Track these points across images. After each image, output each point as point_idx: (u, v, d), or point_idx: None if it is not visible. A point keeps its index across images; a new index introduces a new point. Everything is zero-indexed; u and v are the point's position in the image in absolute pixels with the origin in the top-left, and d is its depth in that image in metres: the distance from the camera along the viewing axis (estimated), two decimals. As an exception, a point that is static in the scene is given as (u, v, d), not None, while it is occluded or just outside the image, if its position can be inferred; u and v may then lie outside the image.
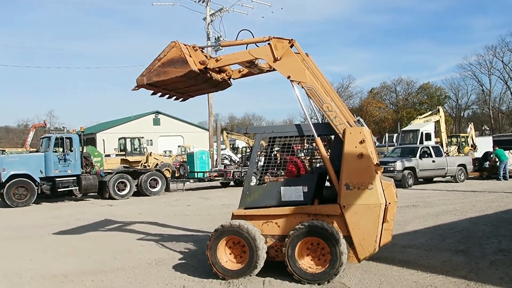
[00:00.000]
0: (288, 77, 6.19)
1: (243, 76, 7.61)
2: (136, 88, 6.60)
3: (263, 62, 6.98)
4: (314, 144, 6.29)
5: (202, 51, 6.71)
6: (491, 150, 23.96)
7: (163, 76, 6.36)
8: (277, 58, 6.20)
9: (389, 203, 5.95)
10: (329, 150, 6.23)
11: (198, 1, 31.84)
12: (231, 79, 7.57)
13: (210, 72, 6.79)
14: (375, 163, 5.83)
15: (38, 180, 16.67)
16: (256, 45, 6.51)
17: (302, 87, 6.15)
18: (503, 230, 8.97)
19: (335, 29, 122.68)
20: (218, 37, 30.96)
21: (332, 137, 6.28)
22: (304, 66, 6.28)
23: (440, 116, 28.58)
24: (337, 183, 5.86)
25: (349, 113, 6.62)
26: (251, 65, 7.04)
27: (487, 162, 22.88)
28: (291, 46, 6.27)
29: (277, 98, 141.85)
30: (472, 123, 37.38)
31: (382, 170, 6.18)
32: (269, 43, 6.26)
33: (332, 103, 6.23)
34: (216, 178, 22.87)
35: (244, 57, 6.49)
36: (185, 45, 6.45)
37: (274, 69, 6.58)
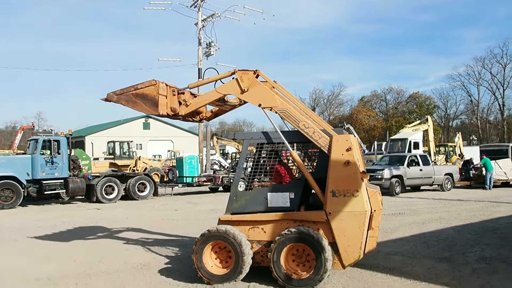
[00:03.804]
0: (259, 105, 6.26)
1: (216, 115, 7.69)
2: (104, 100, 6.64)
3: (232, 98, 7.05)
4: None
5: (182, 94, 6.63)
6: (469, 159, 24.31)
7: (131, 105, 6.44)
8: (244, 90, 6.27)
9: (375, 211, 6.02)
10: (316, 161, 6.29)
11: (190, 6, 31.91)
12: (203, 121, 7.65)
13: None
14: (361, 171, 5.91)
15: (25, 182, 16.54)
16: (222, 82, 6.56)
17: (276, 112, 6.21)
18: (486, 239, 9.10)
19: (326, 38, 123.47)
20: (209, 42, 31.09)
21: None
22: (273, 92, 6.36)
23: (429, 125, 28.91)
24: (319, 192, 5.92)
25: (328, 125, 6.67)
26: (221, 103, 7.09)
27: (472, 171, 23.19)
28: (257, 77, 6.35)
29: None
30: (460, 132, 37.77)
31: (368, 178, 6.24)
32: (234, 78, 6.34)
33: (308, 120, 6.29)
34: (205, 183, 22.85)
35: (213, 96, 6.53)
36: (167, 85, 6.47)
37: (245, 102, 6.62)
